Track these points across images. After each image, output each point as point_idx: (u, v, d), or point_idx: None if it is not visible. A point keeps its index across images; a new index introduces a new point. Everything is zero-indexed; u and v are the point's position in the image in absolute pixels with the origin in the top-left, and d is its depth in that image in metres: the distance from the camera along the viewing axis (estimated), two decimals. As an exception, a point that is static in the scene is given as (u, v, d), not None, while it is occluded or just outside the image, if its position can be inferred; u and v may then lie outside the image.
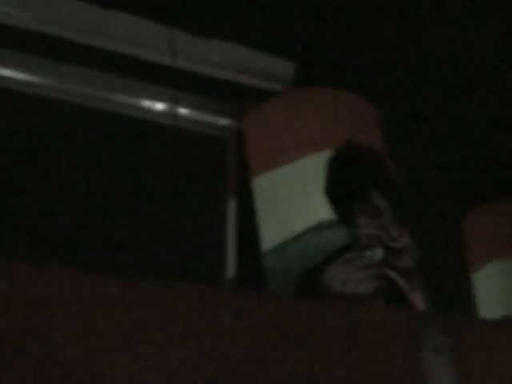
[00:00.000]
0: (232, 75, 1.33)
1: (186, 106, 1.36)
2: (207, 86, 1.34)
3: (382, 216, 1.10)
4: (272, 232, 1.13)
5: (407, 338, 0.90)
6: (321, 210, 1.10)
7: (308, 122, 1.17)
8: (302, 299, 0.92)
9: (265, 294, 0.99)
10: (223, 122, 1.39)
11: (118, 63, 1.30)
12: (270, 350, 0.74)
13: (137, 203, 1.37)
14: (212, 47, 1.29)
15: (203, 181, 1.41)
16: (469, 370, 0.92)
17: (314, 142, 1.16)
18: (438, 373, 0.90)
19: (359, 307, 0.89)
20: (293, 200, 1.13)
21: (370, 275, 1.04)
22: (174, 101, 1.34)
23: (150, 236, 1.36)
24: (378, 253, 1.07)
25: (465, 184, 1.73)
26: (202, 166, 1.42)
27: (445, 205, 1.72)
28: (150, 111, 1.35)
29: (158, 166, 1.41)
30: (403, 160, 1.30)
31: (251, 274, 1.11)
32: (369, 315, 0.88)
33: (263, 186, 1.17)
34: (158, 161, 1.40)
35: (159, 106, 1.35)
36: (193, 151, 1.43)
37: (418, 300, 1.11)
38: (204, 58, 1.30)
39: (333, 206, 1.10)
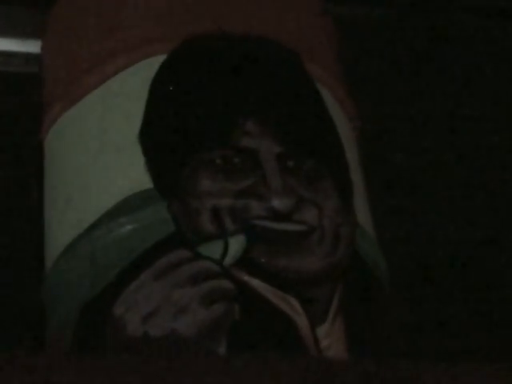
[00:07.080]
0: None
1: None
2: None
3: (262, 170, 0.60)
4: (58, 228, 0.64)
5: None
6: (131, 174, 0.61)
7: (132, 10, 0.68)
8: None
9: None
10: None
11: None
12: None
13: None
14: None
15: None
16: None
17: (143, 40, 0.66)
18: None
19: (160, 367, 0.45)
20: (87, 162, 0.63)
21: (204, 295, 0.55)
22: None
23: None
24: (236, 245, 0.57)
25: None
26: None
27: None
28: None
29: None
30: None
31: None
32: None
33: (52, 144, 0.69)
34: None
35: None
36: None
37: (330, 336, 0.59)
38: None
39: (151, 162, 0.61)
